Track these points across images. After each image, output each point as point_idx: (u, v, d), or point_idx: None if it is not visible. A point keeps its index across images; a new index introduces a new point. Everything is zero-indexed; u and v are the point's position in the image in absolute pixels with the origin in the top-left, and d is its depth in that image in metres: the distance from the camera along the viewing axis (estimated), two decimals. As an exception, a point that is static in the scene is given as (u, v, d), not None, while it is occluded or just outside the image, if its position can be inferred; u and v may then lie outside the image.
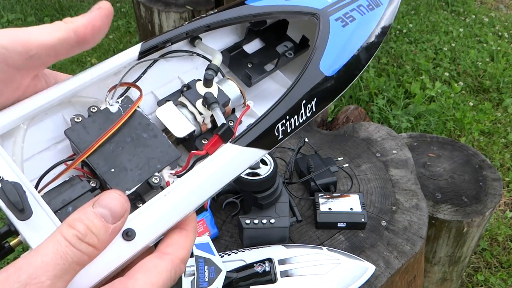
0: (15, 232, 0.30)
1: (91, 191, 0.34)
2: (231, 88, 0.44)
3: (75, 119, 0.37)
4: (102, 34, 0.35)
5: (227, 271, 0.63)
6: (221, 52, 0.48)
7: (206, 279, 0.61)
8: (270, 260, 0.71)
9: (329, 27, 0.46)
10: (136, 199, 0.37)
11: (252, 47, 0.52)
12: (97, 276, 0.29)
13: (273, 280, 0.69)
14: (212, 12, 0.44)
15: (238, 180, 0.62)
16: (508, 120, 2.24)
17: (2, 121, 0.34)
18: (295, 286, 0.68)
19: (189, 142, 0.42)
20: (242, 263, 0.71)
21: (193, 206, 0.34)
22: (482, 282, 1.61)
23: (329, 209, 0.84)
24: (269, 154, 0.79)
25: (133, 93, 0.41)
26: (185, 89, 0.43)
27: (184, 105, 0.42)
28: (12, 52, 0.31)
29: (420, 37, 2.76)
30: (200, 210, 0.79)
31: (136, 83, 0.41)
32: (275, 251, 0.73)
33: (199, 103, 0.41)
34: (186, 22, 0.43)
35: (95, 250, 0.26)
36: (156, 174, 0.37)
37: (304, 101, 0.41)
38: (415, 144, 1.30)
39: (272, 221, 0.75)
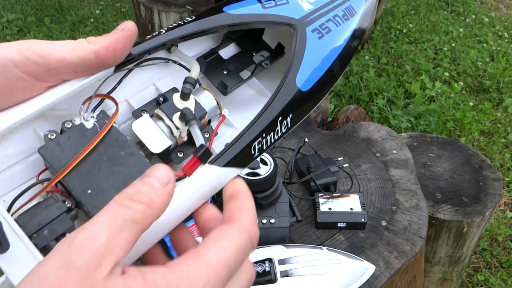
0: None
1: (66, 213, 0.33)
2: (207, 100, 0.44)
3: (49, 136, 0.35)
4: (123, 56, 0.36)
5: (227, 271, 0.63)
6: (197, 58, 0.48)
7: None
8: (270, 260, 0.71)
9: (306, 39, 0.46)
10: None
11: (227, 52, 0.51)
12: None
13: (273, 280, 0.69)
14: (189, 19, 0.43)
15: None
16: (508, 120, 2.24)
17: None
18: (295, 286, 0.68)
19: (165, 155, 0.41)
20: (242, 263, 0.71)
21: (170, 227, 0.34)
22: (482, 282, 1.61)
23: (329, 209, 0.84)
24: (269, 154, 0.79)
25: (108, 103, 0.40)
26: (161, 98, 0.42)
27: (161, 118, 0.41)
28: (32, 63, 0.32)
29: (420, 37, 2.76)
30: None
31: (111, 94, 0.40)
32: (275, 251, 0.73)
33: (176, 117, 0.40)
34: (164, 30, 0.42)
35: (147, 208, 0.27)
36: None
37: (280, 118, 0.41)
38: (415, 144, 1.30)
39: (272, 221, 0.75)
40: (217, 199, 0.84)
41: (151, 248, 0.33)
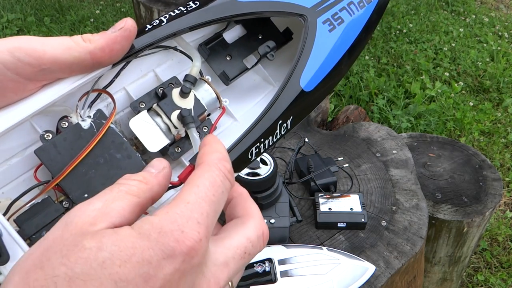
0: None
1: (64, 213, 0.33)
2: (207, 94, 0.42)
3: (45, 136, 0.35)
4: (120, 57, 0.34)
5: (227, 271, 0.63)
6: (199, 45, 0.46)
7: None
8: (270, 260, 0.71)
9: (315, 33, 0.43)
10: None
11: (232, 35, 0.48)
12: None
13: (273, 280, 0.69)
14: (193, 5, 0.40)
15: (238, 180, 0.62)
16: (508, 120, 2.24)
17: None
18: (295, 286, 0.68)
19: (162, 149, 0.40)
20: (242, 263, 0.71)
21: None
22: (482, 282, 1.61)
23: (329, 209, 0.84)
24: (269, 154, 0.79)
25: (105, 97, 0.39)
26: (160, 91, 0.41)
27: (159, 114, 0.40)
28: (25, 64, 0.31)
29: (420, 37, 2.76)
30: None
31: (109, 87, 0.38)
32: (275, 251, 0.73)
33: (174, 115, 0.40)
34: (165, 19, 0.39)
35: (142, 183, 0.29)
36: None
37: (280, 121, 0.40)
38: (415, 144, 1.30)
39: (272, 221, 0.75)
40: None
41: None
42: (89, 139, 0.35)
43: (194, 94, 0.41)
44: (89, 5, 3.17)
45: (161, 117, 0.40)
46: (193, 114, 0.40)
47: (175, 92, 0.40)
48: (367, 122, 1.13)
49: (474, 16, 3.01)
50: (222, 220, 0.35)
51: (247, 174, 0.74)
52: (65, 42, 0.32)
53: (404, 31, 2.81)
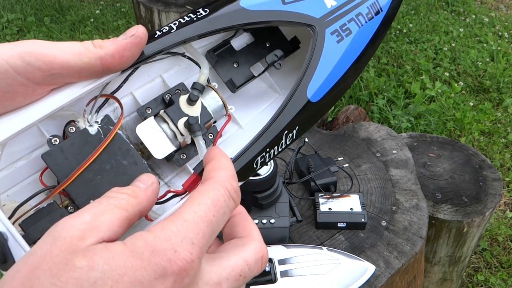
0: None
1: None
2: (214, 101, 0.42)
3: (52, 141, 0.35)
4: (129, 64, 0.34)
5: (227, 271, 0.63)
6: (207, 51, 0.46)
7: (206, 279, 0.61)
8: (270, 260, 0.71)
9: (323, 43, 0.43)
10: None
11: (240, 42, 0.48)
12: None
13: (273, 280, 0.69)
14: (202, 13, 0.40)
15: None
16: (508, 120, 2.24)
17: None
18: (295, 286, 0.68)
19: (168, 156, 0.41)
20: (242, 263, 0.71)
21: None
22: (482, 282, 1.61)
23: (329, 209, 0.84)
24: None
25: (111, 101, 0.39)
26: (167, 97, 0.41)
27: (165, 121, 0.40)
28: (35, 68, 0.30)
29: (420, 37, 2.76)
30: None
31: (117, 92, 0.38)
32: (275, 251, 0.73)
33: (181, 122, 0.40)
34: (174, 26, 0.39)
35: (130, 197, 0.29)
36: None
37: (286, 131, 0.40)
38: (415, 144, 1.30)
39: (272, 221, 0.75)
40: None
41: None
42: (96, 145, 0.35)
43: (201, 102, 0.41)
44: (89, 5, 3.17)
45: (167, 124, 0.40)
46: (199, 122, 0.40)
47: (183, 99, 0.40)
48: (367, 122, 1.13)
49: (474, 16, 3.01)
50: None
51: (247, 174, 0.74)
52: (76, 48, 0.32)
53: (404, 31, 2.81)
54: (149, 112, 0.40)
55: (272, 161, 0.76)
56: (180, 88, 0.42)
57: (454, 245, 1.18)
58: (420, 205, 0.88)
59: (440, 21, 2.93)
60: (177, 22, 0.39)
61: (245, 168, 0.38)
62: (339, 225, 0.83)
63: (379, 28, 0.47)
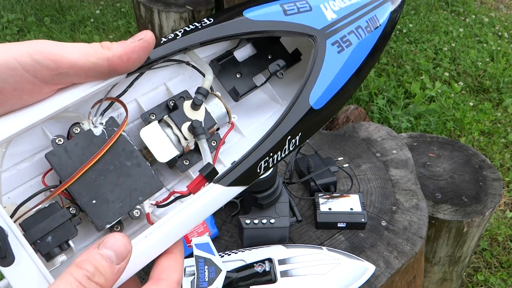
0: None
1: (70, 220, 0.34)
2: (217, 108, 0.43)
3: (57, 141, 0.36)
4: (136, 66, 0.35)
5: (227, 271, 0.63)
6: (211, 61, 0.47)
7: (206, 279, 0.61)
8: (270, 260, 0.71)
9: (325, 53, 0.44)
10: (115, 225, 0.37)
11: (243, 53, 0.50)
12: None
13: (273, 280, 0.69)
14: (207, 22, 0.41)
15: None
16: (508, 120, 2.24)
17: None
18: (295, 286, 0.68)
19: (170, 162, 0.41)
20: (242, 263, 0.71)
21: (175, 240, 0.35)
22: (482, 282, 1.61)
23: (329, 209, 0.84)
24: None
25: (117, 106, 0.40)
26: (171, 103, 0.42)
27: (169, 125, 0.41)
28: (43, 67, 0.31)
29: (420, 37, 2.76)
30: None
31: (122, 96, 0.39)
32: (275, 251, 0.73)
33: (185, 127, 0.40)
34: (180, 33, 0.40)
35: None
36: (138, 206, 0.36)
37: (289, 137, 0.41)
38: (415, 144, 1.30)
39: (272, 221, 0.75)
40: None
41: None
42: (100, 146, 0.35)
43: (205, 108, 0.42)
44: (89, 5, 3.17)
45: (171, 128, 0.40)
46: (203, 126, 0.41)
47: (187, 104, 0.41)
48: (367, 122, 1.13)
49: (474, 16, 3.01)
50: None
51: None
52: (84, 48, 0.33)
53: (404, 31, 2.82)
54: (153, 117, 0.41)
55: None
56: (184, 95, 0.42)
57: (454, 245, 1.18)
58: (420, 205, 0.88)
59: (440, 21, 2.93)
60: (182, 30, 0.40)
61: (248, 171, 0.38)
62: (339, 225, 0.83)
63: (378, 41, 0.49)
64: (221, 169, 0.41)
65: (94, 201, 0.35)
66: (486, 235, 1.75)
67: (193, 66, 0.44)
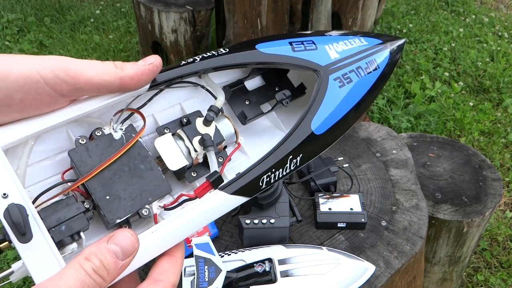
0: (8, 241, 0.32)
1: (84, 213, 0.36)
2: (226, 127, 0.47)
3: (80, 141, 0.39)
4: (142, 86, 0.39)
5: (227, 271, 0.63)
6: (223, 87, 0.51)
7: (206, 279, 0.61)
8: (270, 260, 0.71)
9: (327, 86, 0.48)
10: (123, 222, 0.39)
11: (252, 84, 0.55)
12: None
13: (273, 280, 0.69)
14: (223, 51, 0.46)
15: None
16: (508, 120, 2.24)
17: (12, 135, 0.35)
18: (295, 286, 0.68)
19: (179, 172, 0.44)
20: (242, 263, 0.71)
21: (178, 240, 0.37)
22: (482, 282, 1.61)
23: (329, 209, 0.84)
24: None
25: (137, 116, 0.43)
26: (184, 120, 0.45)
27: (181, 138, 0.44)
28: (62, 81, 0.34)
29: (420, 37, 2.76)
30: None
31: (141, 110, 0.43)
32: (275, 251, 0.73)
33: (196, 140, 0.44)
34: (198, 58, 0.44)
35: (104, 282, 0.31)
36: (147, 206, 0.39)
37: (291, 156, 0.44)
38: (415, 144, 1.30)
39: (272, 221, 0.75)
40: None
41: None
42: (118, 148, 0.39)
43: (216, 125, 0.46)
44: (89, 5, 3.17)
45: (183, 140, 0.44)
46: (212, 139, 0.45)
47: (199, 121, 0.45)
48: (367, 122, 1.13)
49: (474, 16, 3.01)
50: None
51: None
52: (99, 66, 0.36)
53: (404, 31, 2.82)
54: (167, 131, 0.45)
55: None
56: (197, 114, 0.47)
57: (454, 245, 1.18)
58: (420, 205, 0.88)
59: (440, 21, 2.93)
60: (200, 56, 0.45)
61: (251, 183, 0.41)
62: (339, 225, 0.83)
63: (377, 81, 0.54)
64: None
65: (107, 197, 0.38)
66: (486, 235, 1.75)
67: (207, 90, 0.48)
